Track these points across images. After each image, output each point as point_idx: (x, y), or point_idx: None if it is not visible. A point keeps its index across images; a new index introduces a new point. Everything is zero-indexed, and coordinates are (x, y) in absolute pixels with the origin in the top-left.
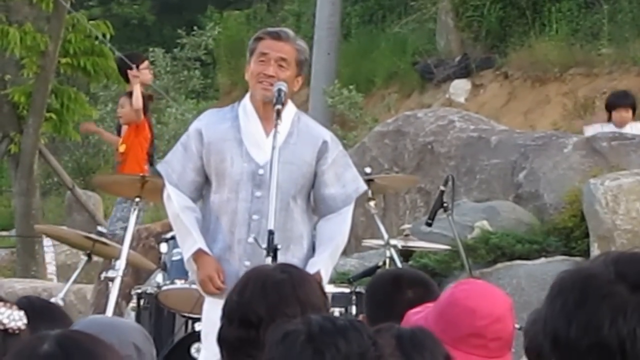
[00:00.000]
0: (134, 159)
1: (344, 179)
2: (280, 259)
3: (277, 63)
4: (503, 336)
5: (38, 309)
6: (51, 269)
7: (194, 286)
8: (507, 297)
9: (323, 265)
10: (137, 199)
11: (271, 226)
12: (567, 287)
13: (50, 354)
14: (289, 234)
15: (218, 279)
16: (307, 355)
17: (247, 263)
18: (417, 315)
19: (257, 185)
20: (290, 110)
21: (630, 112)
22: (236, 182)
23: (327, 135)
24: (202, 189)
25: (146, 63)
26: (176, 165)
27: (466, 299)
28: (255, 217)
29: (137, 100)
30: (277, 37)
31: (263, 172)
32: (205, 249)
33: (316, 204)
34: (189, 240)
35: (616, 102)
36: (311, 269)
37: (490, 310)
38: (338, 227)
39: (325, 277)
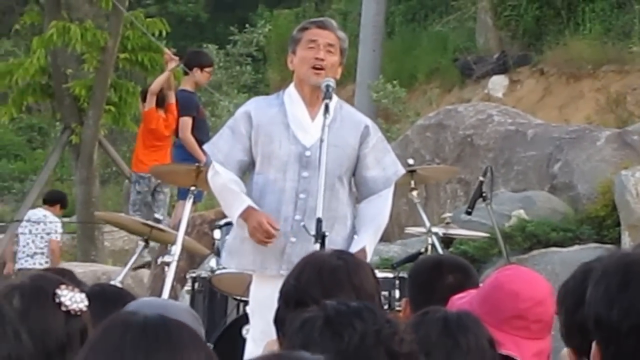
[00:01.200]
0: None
1: (384, 163)
2: (328, 240)
3: (326, 48)
4: (544, 319)
5: (108, 293)
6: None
7: (245, 271)
8: (548, 283)
9: (368, 243)
10: (192, 188)
11: (319, 214)
12: (610, 272)
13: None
14: (333, 214)
15: (267, 224)
16: (326, 338)
17: (293, 239)
18: (462, 300)
19: (304, 166)
20: (333, 98)
21: None
22: (284, 163)
23: (367, 120)
24: (245, 170)
25: (211, 68)
26: (223, 145)
27: (510, 283)
28: (302, 195)
29: (155, 84)
30: (323, 26)
31: (310, 154)
32: (254, 206)
33: (357, 187)
34: (238, 201)
35: None
36: (356, 246)
37: (532, 294)
38: (379, 208)
39: (369, 254)
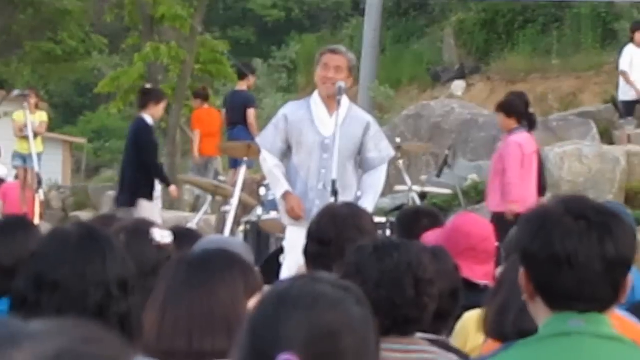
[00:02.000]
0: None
1: (380, 147)
2: (339, 198)
3: (335, 69)
4: (489, 250)
5: (184, 233)
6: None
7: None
8: (490, 224)
9: (368, 204)
10: (245, 158)
11: (334, 176)
12: (531, 218)
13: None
14: (344, 183)
15: (298, 209)
16: (372, 261)
17: (318, 202)
18: (430, 237)
19: (324, 150)
20: (345, 101)
21: None
22: (310, 148)
23: (369, 117)
24: (286, 154)
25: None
26: (269, 137)
27: (464, 225)
28: (323, 171)
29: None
30: (334, 52)
31: (328, 142)
32: (290, 190)
33: (361, 164)
34: (279, 186)
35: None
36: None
37: (479, 232)
38: (377, 178)
39: (370, 209)
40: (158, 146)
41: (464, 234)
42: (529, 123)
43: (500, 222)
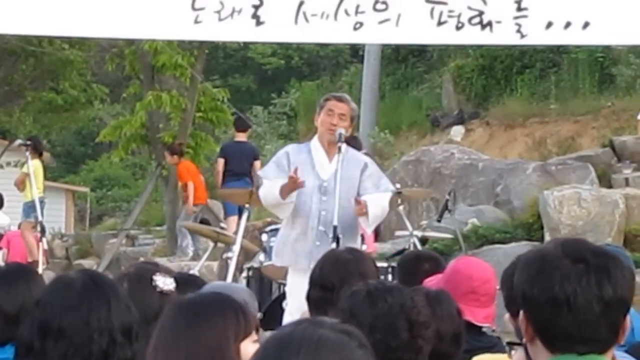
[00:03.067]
0: None
1: (380, 184)
2: (341, 241)
3: (339, 117)
4: (490, 292)
5: (187, 279)
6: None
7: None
8: (491, 267)
9: (369, 200)
10: (247, 205)
11: (336, 222)
12: (530, 261)
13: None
14: (344, 226)
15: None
16: (366, 305)
17: (318, 243)
18: (433, 281)
19: (323, 193)
20: (343, 146)
21: None
22: (310, 192)
23: (366, 158)
24: None
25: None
26: (271, 172)
27: (465, 269)
28: (323, 213)
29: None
30: (339, 99)
31: (327, 185)
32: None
33: None
34: (278, 184)
35: None
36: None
37: (480, 276)
38: (379, 198)
39: (371, 211)
40: None
41: (465, 277)
42: None
43: None
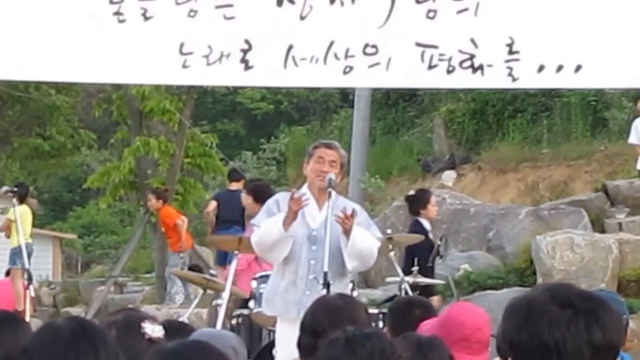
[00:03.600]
0: None
1: (369, 232)
2: (332, 288)
3: (330, 164)
4: (483, 340)
5: (176, 327)
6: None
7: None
8: (485, 314)
9: (357, 231)
10: (236, 252)
11: (326, 268)
12: (517, 308)
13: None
14: (334, 274)
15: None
16: (345, 353)
17: (308, 292)
18: (425, 327)
19: (313, 242)
20: (333, 193)
21: None
22: (300, 240)
23: (356, 206)
24: None
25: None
26: (262, 221)
27: (457, 315)
28: (312, 262)
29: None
30: (329, 146)
31: (316, 233)
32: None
33: None
34: (276, 221)
35: None
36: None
37: (473, 323)
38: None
39: (351, 237)
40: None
41: (458, 323)
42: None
43: None
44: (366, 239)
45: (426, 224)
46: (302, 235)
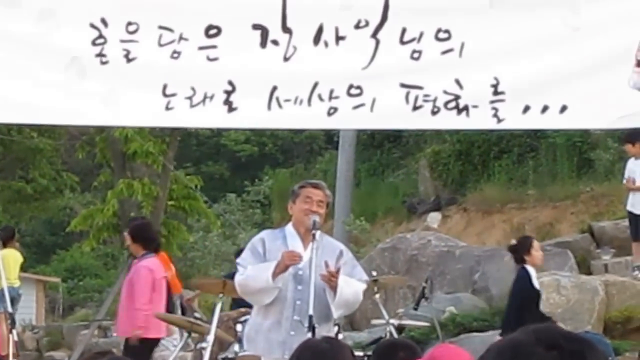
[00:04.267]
0: None
1: (353, 273)
2: (317, 331)
3: (317, 204)
4: None
5: None
6: None
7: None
8: (468, 354)
9: (342, 281)
10: (221, 295)
11: (311, 311)
12: (501, 350)
13: None
14: (320, 314)
15: (293, 252)
16: None
17: (292, 333)
18: None
19: (299, 282)
20: (318, 233)
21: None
22: (285, 280)
23: (341, 246)
24: None
25: None
26: (247, 260)
27: (441, 357)
28: (298, 302)
29: None
30: (315, 186)
31: (302, 273)
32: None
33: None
34: (264, 267)
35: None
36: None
37: None
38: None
39: (339, 290)
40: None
41: None
42: (155, 248)
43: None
44: (352, 287)
45: (532, 271)
46: (287, 274)
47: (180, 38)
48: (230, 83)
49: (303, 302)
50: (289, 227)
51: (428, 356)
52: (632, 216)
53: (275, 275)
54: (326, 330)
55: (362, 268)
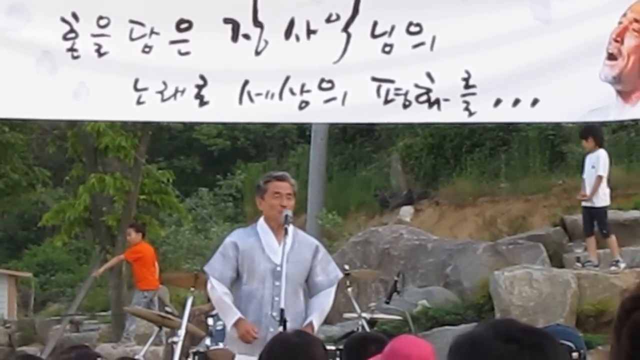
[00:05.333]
0: None
1: (328, 270)
2: (292, 325)
3: (287, 196)
4: None
5: None
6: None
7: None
8: (429, 344)
9: (315, 320)
10: (192, 289)
11: (282, 305)
12: (461, 345)
13: None
14: (296, 310)
15: (253, 332)
16: None
17: (272, 329)
18: None
19: (276, 278)
20: (290, 227)
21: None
22: (262, 276)
23: (316, 242)
24: (234, 282)
25: None
26: (217, 266)
27: (402, 349)
28: (276, 299)
29: None
30: (282, 179)
31: (280, 269)
32: (242, 317)
33: (309, 288)
34: (231, 314)
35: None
36: (307, 321)
37: (418, 354)
38: (325, 299)
39: (316, 327)
40: None
41: (404, 356)
42: None
43: None
44: (324, 308)
45: None
46: (264, 270)
47: (152, 32)
48: (202, 77)
49: (281, 299)
50: (262, 223)
51: (388, 349)
52: (592, 211)
53: (234, 325)
54: (299, 324)
55: (335, 265)
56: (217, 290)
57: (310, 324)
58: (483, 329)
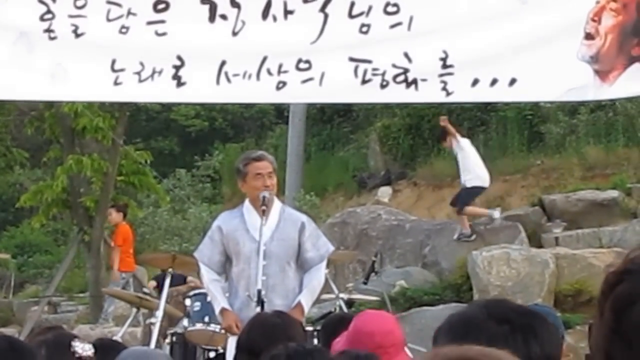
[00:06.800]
0: None
1: (318, 245)
2: (281, 303)
3: (268, 176)
4: (397, 342)
5: (108, 345)
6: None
7: (209, 328)
8: (391, 316)
9: (304, 300)
10: (170, 270)
11: (259, 286)
12: (453, 325)
13: None
14: (286, 288)
15: (235, 326)
16: None
17: (258, 309)
18: (337, 345)
19: (263, 257)
20: (277, 204)
21: None
22: (248, 257)
23: (303, 217)
24: (225, 265)
25: None
26: (206, 251)
27: (364, 326)
28: (264, 278)
29: None
30: (259, 159)
31: (265, 248)
32: (227, 307)
33: (301, 265)
34: (216, 302)
35: None
36: (295, 301)
37: (382, 329)
38: (315, 275)
39: (306, 307)
40: None
41: (368, 334)
42: None
43: None
44: (314, 286)
45: None
46: (249, 250)
47: (129, 13)
48: (179, 58)
49: (269, 278)
50: (247, 204)
51: (352, 328)
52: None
53: (219, 314)
54: (287, 306)
55: (325, 238)
56: (205, 277)
57: (299, 304)
58: (476, 310)
